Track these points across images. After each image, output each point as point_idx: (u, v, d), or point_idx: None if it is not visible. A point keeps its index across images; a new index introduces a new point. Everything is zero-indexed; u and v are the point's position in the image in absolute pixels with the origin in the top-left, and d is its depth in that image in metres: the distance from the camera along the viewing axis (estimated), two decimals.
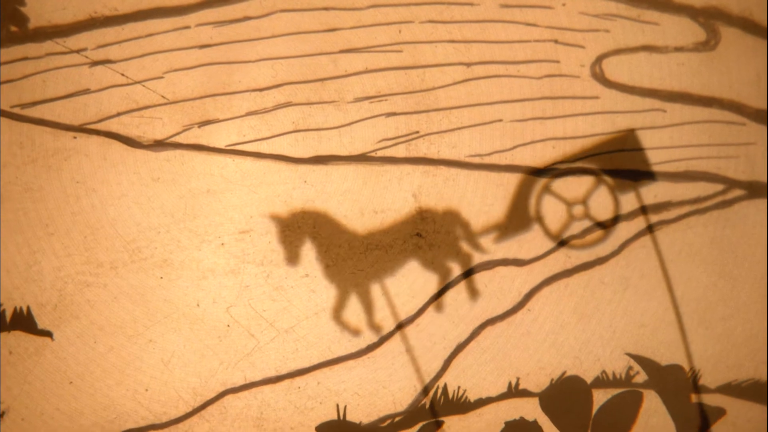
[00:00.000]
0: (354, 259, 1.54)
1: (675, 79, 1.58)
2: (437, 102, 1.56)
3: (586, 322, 1.57)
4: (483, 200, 1.56)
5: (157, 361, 1.52)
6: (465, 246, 1.55)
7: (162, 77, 1.54)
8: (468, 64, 1.57)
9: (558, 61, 1.57)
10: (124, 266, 1.52)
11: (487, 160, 1.56)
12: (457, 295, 1.56)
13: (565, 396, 1.55)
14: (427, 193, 1.56)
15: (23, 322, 1.52)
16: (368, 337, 1.54)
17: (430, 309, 1.54)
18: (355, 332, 1.53)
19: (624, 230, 1.57)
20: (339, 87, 1.56)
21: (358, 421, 1.53)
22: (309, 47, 1.54)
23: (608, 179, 1.55)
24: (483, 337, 1.55)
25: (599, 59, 1.57)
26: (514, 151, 1.56)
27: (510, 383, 1.56)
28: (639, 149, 1.53)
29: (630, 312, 1.57)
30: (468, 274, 1.54)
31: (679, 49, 1.56)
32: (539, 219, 1.55)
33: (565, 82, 1.57)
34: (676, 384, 1.56)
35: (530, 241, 1.56)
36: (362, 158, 1.55)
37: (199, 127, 1.54)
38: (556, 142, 1.56)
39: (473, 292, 1.54)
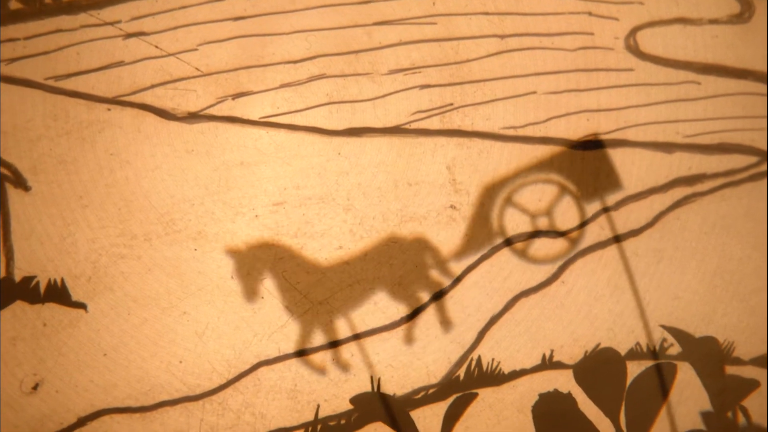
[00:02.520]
0: (387, 231, 1.50)
1: (709, 51, 1.51)
2: (471, 74, 1.51)
3: (620, 294, 1.51)
4: (517, 173, 1.53)
5: (191, 333, 1.46)
6: (434, 273, 1.49)
7: (196, 49, 1.49)
8: (502, 37, 1.51)
9: (592, 34, 1.52)
10: (158, 238, 1.47)
11: (521, 132, 1.50)
12: (490, 267, 1.52)
13: (599, 368, 1.49)
14: (461, 165, 1.50)
15: (57, 294, 1.47)
16: (402, 309, 1.51)
17: (465, 280, 1.51)
18: (321, 370, 1.48)
19: (658, 202, 1.52)
20: (373, 59, 1.50)
21: (392, 393, 1.48)
22: (343, 19, 1.50)
23: (572, 188, 1.49)
24: (517, 309, 1.49)
25: (633, 31, 1.51)
26: (548, 123, 1.50)
27: (544, 355, 1.50)
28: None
29: (664, 284, 1.51)
30: (437, 298, 1.48)
31: (713, 22, 1.52)
32: (503, 233, 1.50)
33: (599, 55, 1.51)
34: (710, 356, 1.50)
35: (564, 213, 1.52)
36: (396, 130, 1.48)
37: (233, 99, 1.50)
38: (590, 114, 1.51)
39: (445, 320, 1.49)
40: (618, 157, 1.51)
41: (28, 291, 1.45)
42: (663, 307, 1.51)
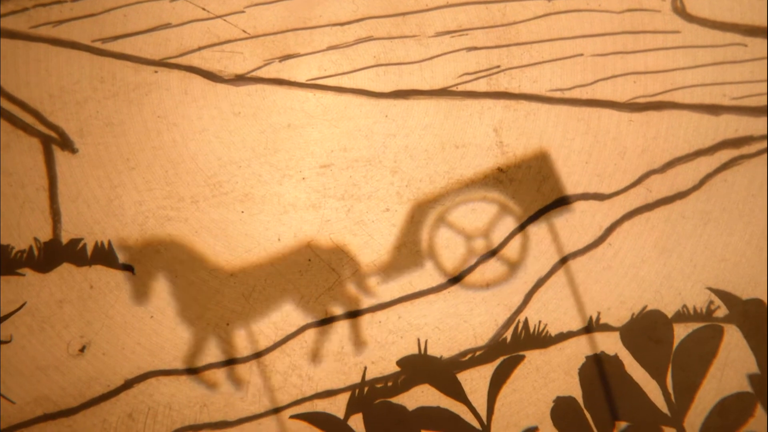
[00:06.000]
0: (433, 193, 1.46)
1: (756, 13, 1.44)
2: (518, 36, 1.44)
3: (667, 257, 1.44)
4: (564, 135, 1.44)
5: (238, 295, 1.41)
6: (352, 288, 1.41)
7: (243, 11, 1.43)
8: None
9: None
10: (205, 201, 1.41)
11: (567, 94, 1.43)
12: (538, 230, 1.49)
13: (645, 330, 1.43)
14: (508, 128, 1.44)
15: (104, 256, 1.41)
16: (449, 272, 1.47)
17: (511, 243, 1.47)
18: (212, 386, 1.40)
19: (704, 164, 1.45)
20: (420, 21, 1.44)
21: (439, 356, 1.42)
22: None
23: (514, 207, 1.41)
24: (564, 272, 1.45)
25: None
26: (595, 85, 1.43)
27: (591, 318, 1.44)
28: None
29: (711, 246, 1.44)
30: (354, 315, 1.41)
31: None
32: (432, 254, 1.42)
33: (646, 17, 1.44)
34: (757, 318, 1.43)
35: (611, 176, 1.47)
36: (443, 93, 1.42)
37: (280, 61, 1.44)
38: (637, 76, 1.45)
39: (358, 341, 1.41)
40: (665, 119, 1.46)
41: (75, 253, 1.41)
42: (710, 269, 1.47)
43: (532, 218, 1.44)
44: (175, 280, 1.41)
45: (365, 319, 1.43)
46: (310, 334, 1.42)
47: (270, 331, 1.42)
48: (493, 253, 1.44)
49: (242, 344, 1.42)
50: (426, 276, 1.44)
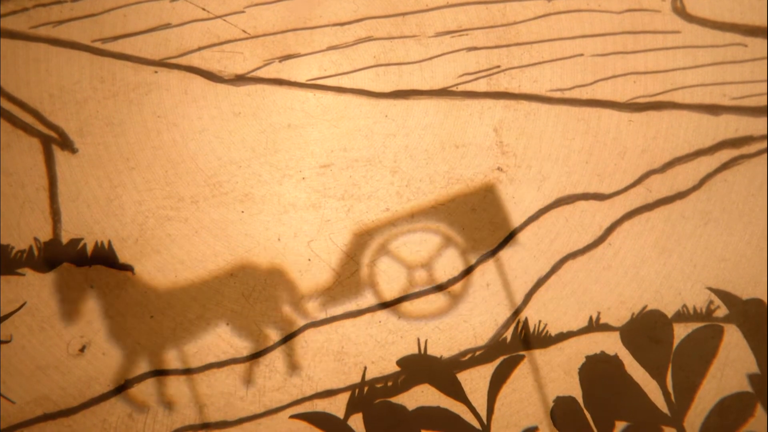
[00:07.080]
0: (433, 193, 1.46)
1: (756, 13, 1.43)
2: (518, 37, 1.44)
3: (667, 257, 1.43)
4: (564, 135, 1.43)
5: (238, 295, 1.40)
6: (288, 311, 1.39)
7: (243, 12, 1.42)
8: None
9: None
10: (205, 200, 1.40)
11: (568, 94, 1.42)
12: (537, 229, 1.48)
13: (646, 330, 1.42)
14: (509, 128, 1.43)
15: (104, 256, 1.40)
16: (449, 272, 1.47)
17: (512, 243, 1.46)
18: (142, 407, 1.37)
19: (704, 164, 1.44)
20: (420, 21, 1.44)
21: (438, 355, 1.42)
22: None
23: (459, 239, 1.39)
24: (564, 272, 1.41)
25: None
26: (595, 85, 1.43)
27: (591, 317, 1.43)
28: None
29: (711, 246, 1.43)
30: (287, 339, 1.38)
31: None
32: (372, 284, 1.40)
33: (646, 17, 1.44)
34: (757, 318, 1.41)
35: (611, 176, 1.48)
36: (443, 93, 1.41)
37: (280, 61, 1.44)
38: (637, 76, 1.44)
39: (292, 364, 1.38)
40: (665, 119, 1.46)
41: (75, 253, 1.40)
42: (710, 269, 1.46)
43: (532, 218, 1.44)
44: (175, 280, 1.40)
45: (365, 319, 1.42)
46: (310, 333, 1.42)
47: (270, 330, 1.41)
48: (492, 253, 1.43)
49: (242, 344, 1.41)
50: (426, 275, 1.43)
